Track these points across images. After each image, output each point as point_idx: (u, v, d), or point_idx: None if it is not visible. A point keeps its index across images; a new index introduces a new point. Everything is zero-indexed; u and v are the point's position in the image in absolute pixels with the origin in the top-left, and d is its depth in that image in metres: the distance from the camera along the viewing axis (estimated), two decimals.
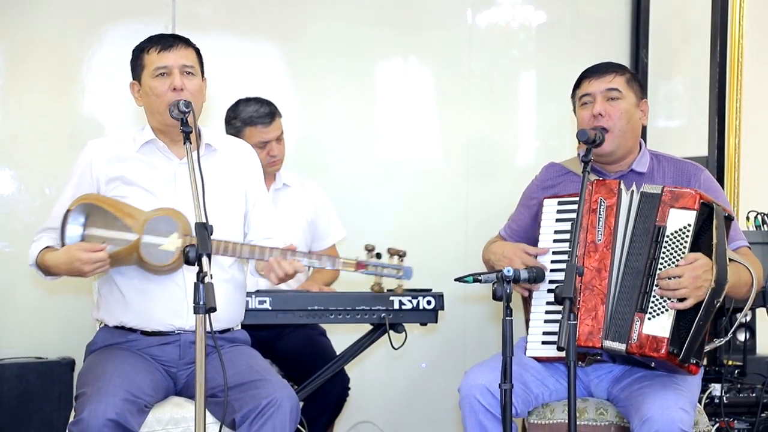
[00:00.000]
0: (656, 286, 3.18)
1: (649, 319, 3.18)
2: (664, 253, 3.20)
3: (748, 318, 4.52)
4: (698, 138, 4.91)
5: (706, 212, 3.22)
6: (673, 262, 3.18)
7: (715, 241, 3.20)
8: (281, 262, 3.20)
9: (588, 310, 3.23)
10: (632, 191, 3.30)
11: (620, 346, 3.19)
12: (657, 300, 3.18)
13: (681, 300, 3.15)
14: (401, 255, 3.44)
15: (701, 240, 3.21)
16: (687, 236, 3.19)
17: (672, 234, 3.21)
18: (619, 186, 3.31)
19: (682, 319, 3.17)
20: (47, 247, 3.31)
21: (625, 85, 3.45)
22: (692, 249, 3.18)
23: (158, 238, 3.18)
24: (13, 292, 4.65)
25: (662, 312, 3.18)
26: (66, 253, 3.15)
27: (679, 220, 3.21)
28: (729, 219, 3.34)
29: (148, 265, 3.19)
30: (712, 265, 3.17)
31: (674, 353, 3.14)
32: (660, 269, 3.19)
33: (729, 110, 4.84)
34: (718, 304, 3.24)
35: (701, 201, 3.21)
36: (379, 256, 3.41)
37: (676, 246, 3.19)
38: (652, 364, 3.23)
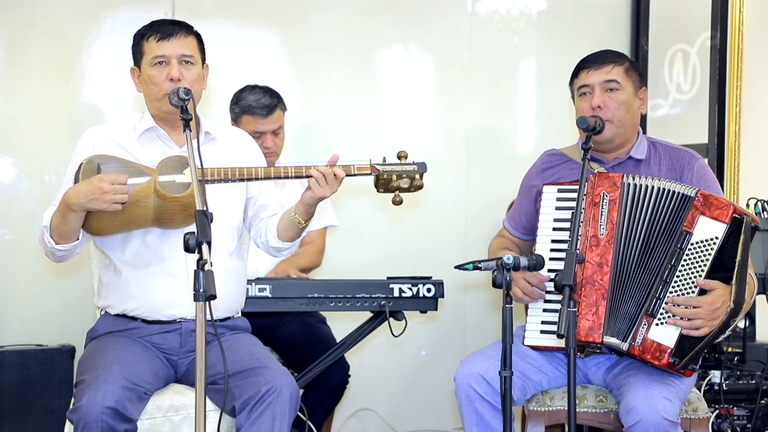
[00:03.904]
0: (670, 294, 3.16)
1: (656, 324, 3.16)
2: (685, 261, 3.17)
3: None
4: (698, 125, 4.91)
5: (735, 225, 3.16)
6: (692, 274, 3.15)
7: (739, 258, 3.14)
8: (320, 168, 3.20)
9: (589, 305, 3.22)
10: (650, 186, 3.27)
11: (621, 344, 3.19)
12: (669, 304, 3.16)
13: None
14: (406, 156, 3.33)
15: (724, 253, 3.15)
16: (711, 249, 3.15)
17: (697, 243, 3.16)
18: (622, 179, 3.29)
19: None
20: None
21: (623, 75, 3.43)
22: (714, 262, 3.15)
23: (172, 175, 3.13)
24: (14, 280, 4.65)
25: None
26: (87, 182, 3.05)
27: (707, 231, 3.16)
28: (755, 229, 3.25)
29: (167, 199, 3.09)
30: (730, 289, 3.13)
31: (674, 363, 3.14)
32: (677, 277, 3.17)
33: (729, 97, 4.83)
34: (734, 324, 3.22)
35: (734, 214, 3.15)
36: (384, 160, 3.36)
37: (699, 257, 3.16)
38: (649, 364, 3.23)
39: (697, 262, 3.16)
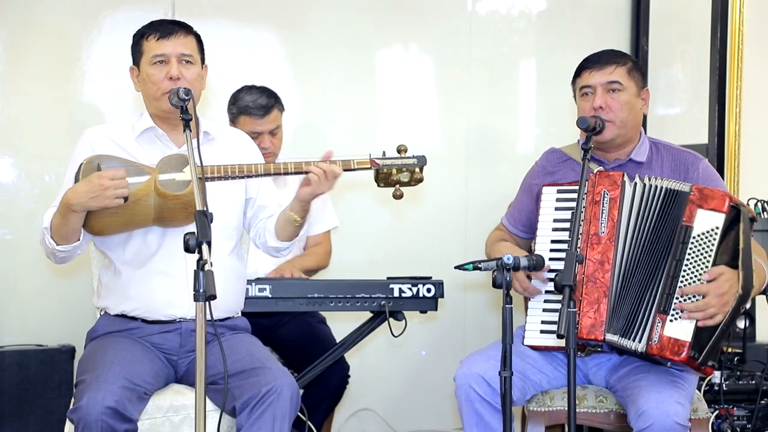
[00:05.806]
0: (680, 287, 3.16)
1: (671, 321, 3.15)
2: (689, 255, 3.18)
3: (748, 305, 4.53)
4: (698, 125, 4.91)
5: (734, 214, 3.19)
6: (699, 266, 3.16)
7: (741, 245, 3.16)
8: (320, 164, 3.22)
9: (590, 303, 3.22)
10: (651, 185, 3.28)
11: (636, 345, 3.18)
12: (680, 302, 3.16)
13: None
14: (406, 149, 3.34)
15: (725, 242, 3.18)
16: (714, 239, 3.17)
17: (699, 236, 3.18)
18: (622, 178, 3.29)
19: None
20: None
21: (626, 76, 3.43)
22: (717, 252, 3.16)
23: (172, 173, 3.13)
24: (14, 280, 4.65)
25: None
26: (86, 181, 3.04)
27: (707, 222, 3.18)
28: (752, 220, 3.28)
29: (167, 197, 3.09)
30: (737, 274, 3.14)
31: (694, 357, 3.13)
32: (684, 271, 3.17)
33: (729, 97, 4.83)
34: (743, 310, 3.22)
35: (730, 204, 3.18)
36: (383, 154, 3.35)
37: (703, 249, 3.17)
38: (668, 364, 3.22)
39: (701, 253, 3.17)
